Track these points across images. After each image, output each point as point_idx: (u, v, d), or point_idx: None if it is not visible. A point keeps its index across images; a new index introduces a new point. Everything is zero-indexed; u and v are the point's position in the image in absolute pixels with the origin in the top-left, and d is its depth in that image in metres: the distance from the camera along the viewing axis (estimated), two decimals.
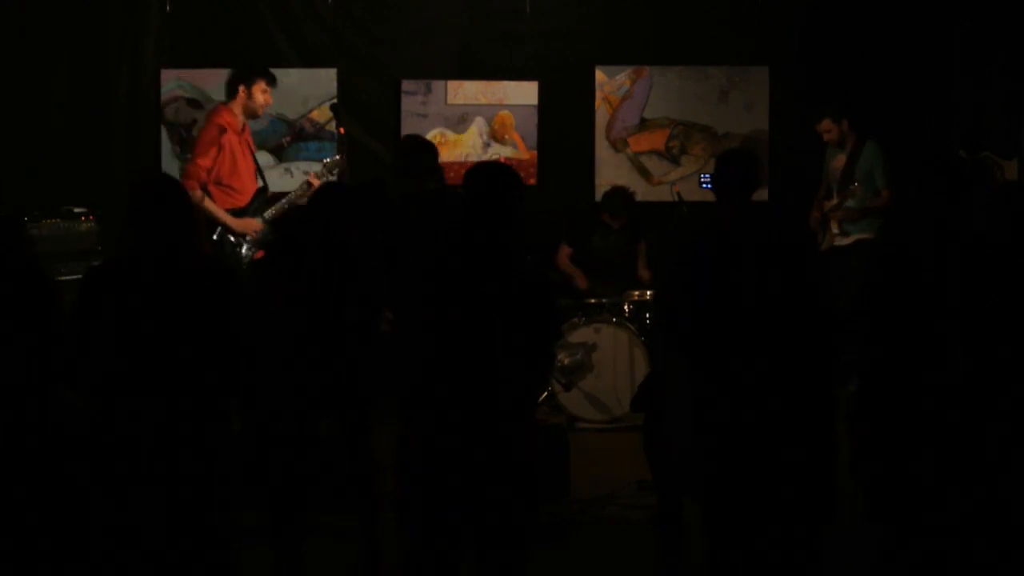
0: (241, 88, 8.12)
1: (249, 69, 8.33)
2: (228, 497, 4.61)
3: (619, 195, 9.31)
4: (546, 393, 8.46)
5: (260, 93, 8.16)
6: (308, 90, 9.68)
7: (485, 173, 4.67)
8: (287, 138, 9.63)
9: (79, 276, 4.69)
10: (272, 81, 8.23)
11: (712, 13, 9.92)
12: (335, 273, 5.40)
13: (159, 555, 4.42)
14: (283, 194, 8.30)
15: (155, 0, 9.51)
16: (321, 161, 8.46)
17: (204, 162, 7.97)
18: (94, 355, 4.39)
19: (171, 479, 4.39)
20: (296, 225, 5.72)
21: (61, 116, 9.47)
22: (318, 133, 9.71)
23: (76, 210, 8.32)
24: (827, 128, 9.07)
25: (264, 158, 9.51)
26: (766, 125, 10.07)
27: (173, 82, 9.59)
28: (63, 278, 7.56)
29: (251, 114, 8.22)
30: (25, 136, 9.25)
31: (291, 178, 9.07)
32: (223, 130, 8.04)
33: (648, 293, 8.80)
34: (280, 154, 9.57)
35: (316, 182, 8.06)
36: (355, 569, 5.59)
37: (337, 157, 8.31)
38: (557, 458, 6.56)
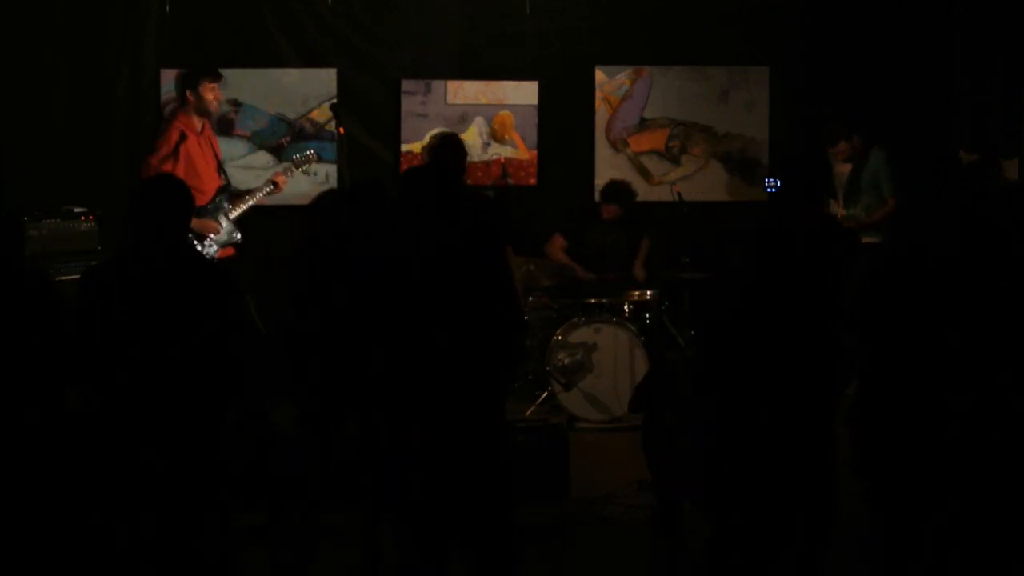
0: (188, 93, 8.20)
1: (193, 71, 8.39)
2: (228, 497, 4.61)
3: (618, 186, 9.37)
4: (546, 393, 8.47)
5: (209, 92, 8.22)
6: (308, 90, 9.67)
7: (423, 172, 4.74)
8: (287, 138, 9.62)
9: (79, 276, 4.69)
10: (217, 78, 8.28)
11: (712, 13, 9.92)
12: (349, 274, 5.41)
13: (159, 554, 4.43)
14: (249, 191, 8.34)
15: (155, 0, 9.51)
16: (291, 158, 8.54)
17: (156, 163, 8.04)
18: (93, 354, 4.39)
19: (171, 478, 4.39)
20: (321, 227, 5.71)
21: (61, 116, 9.46)
22: (318, 133, 9.70)
23: (76, 210, 8.31)
24: (843, 150, 9.05)
25: (264, 158, 9.52)
26: (766, 125, 10.06)
27: (173, 82, 9.58)
28: (63, 278, 7.58)
29: (205, 114, 8.28)
30: (25, 136, 9.25)
31: (291, 178, 9.08)
32: (181, 135, 8.09)
33: (648, 293, 8.81)
34: (280, 154, 9.55)
35: (282, 179, 8.17)
36: (355, 569, 5.59)
37: (309, 152, 8.38)
38: (557, 458, 6.57)
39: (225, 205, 8.18)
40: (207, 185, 8.18)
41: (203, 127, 8.28)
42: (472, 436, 4.54)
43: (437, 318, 4.47)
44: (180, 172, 7.96)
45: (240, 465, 5.48)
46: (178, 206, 4.52)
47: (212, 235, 8.04)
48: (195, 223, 7.90)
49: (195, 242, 7.94)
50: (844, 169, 9.06)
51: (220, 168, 8.38)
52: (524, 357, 8.14)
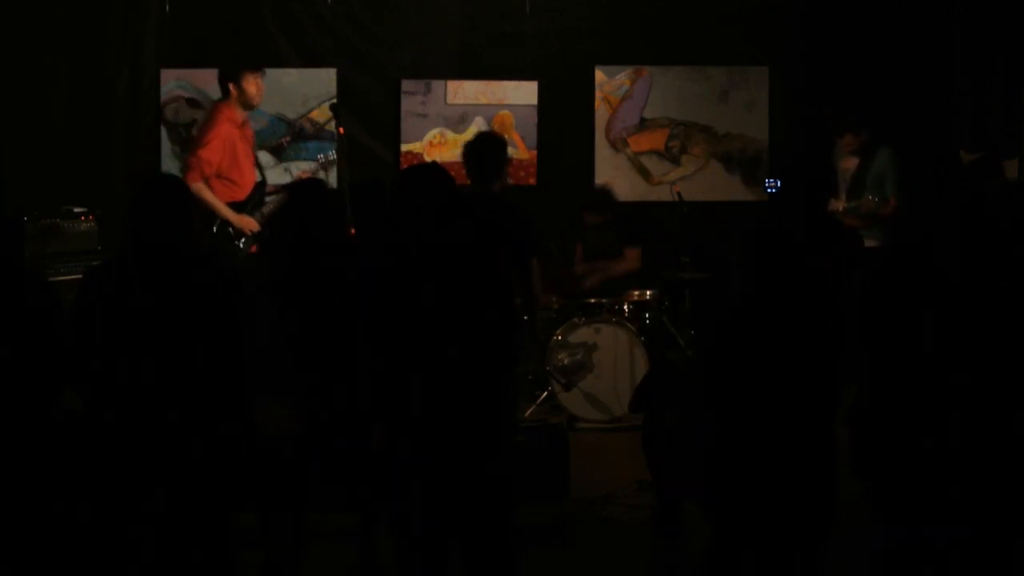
0: (231, 86, 8.16)
1: (234, 65, 8.34)
2: (229, 497, 4.61)
3: (601, 192, 9.34)
4: (546, 393, 8.47)
5: (251, 85, 8.18)
6: (308, 90, 9.68)
7: (418, 174, 4.76)
8: (287, 138, 9.63)
9: (79, 276, 4.69)
10: (259, 69, 8.23)
11: (712, 13, 9.93)
12: (325, 273, 5.41)
13: (159, 556, 4.42)
14: (282, 188, 8.31)
15: (155, 0, 9.52)
16: (316, 159, 8.49)
17: (207, 154, 7.99)
18: (94, 355, 4.39)
19: (172, 479, 4.39)
20: (279, 225, 5.71)
21: (61, 116, 9.47)
22: (318, 133, 9.71)
23: (76, 210, 8.32)
24: (849, 142, 9.03)
25: (264, 158, 9.51)
26: (766, 125, 10.07)
27: (173, 82, 9.59)
28: (63, 278, 7.59)
29: (248, 106, 8.25)
30: (25, 136, 9.25)
31: (290, 178, 9.09)
32: (225, 125, 8.05)
33: (648, 293, 8.80)
34: (280, 154, 9.57)
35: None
36: (354, 569, 5.59)
37: (332, 154, 8.34)
38: (557, 458, 6.57)
39: (263, 202, 8.17)
40: (246, 180, 8.16)
41: (244, 121, 8.27)
42: (472, 437, 4.54)
43: (436, 318, 4.46)
44: (225, 163, 7.95)
45: (239, 466, 5.48)
46: (178, 206, 4.52)
47: (249, 232, 8.00)
48: (237, 219, 7.88)
49: (233, 234, 7.90)
50: (850, 164, 9.03)
51: (258, 165, 8.37)
52: (522, 356, 8.13)
